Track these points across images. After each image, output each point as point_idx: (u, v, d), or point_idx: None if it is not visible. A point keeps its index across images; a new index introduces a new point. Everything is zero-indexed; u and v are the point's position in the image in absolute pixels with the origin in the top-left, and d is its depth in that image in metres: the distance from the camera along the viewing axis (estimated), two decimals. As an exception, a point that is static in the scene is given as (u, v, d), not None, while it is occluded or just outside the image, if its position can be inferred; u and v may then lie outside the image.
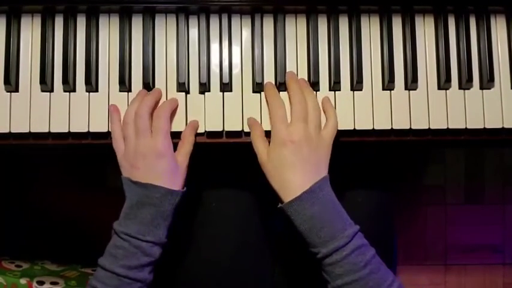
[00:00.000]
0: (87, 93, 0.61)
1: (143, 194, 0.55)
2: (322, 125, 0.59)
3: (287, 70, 0.62)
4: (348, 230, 0.53)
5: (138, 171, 0.56)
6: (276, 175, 0.56)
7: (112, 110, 0.59)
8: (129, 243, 0.53)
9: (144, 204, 0.55)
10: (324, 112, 0.60)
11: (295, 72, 0.62)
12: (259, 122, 0.60)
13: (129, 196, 0.56)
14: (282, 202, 0.55)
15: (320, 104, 0.60)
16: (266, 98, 0.60)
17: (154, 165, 0.55)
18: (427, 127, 0.61)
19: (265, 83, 0.61)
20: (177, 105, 0.60)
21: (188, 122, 0.60)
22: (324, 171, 0.56)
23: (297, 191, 0.54)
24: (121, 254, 0.53)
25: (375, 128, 0.61)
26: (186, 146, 0.59)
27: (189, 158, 0.59)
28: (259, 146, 0.58)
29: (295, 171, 0.55)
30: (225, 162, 0.71)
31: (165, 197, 0.55)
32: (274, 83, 0.61)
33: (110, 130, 0.60)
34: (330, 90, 0.62)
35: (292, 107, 0.58)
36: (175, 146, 0.59)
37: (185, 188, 0.58)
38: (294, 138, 0.55)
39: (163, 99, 0.60)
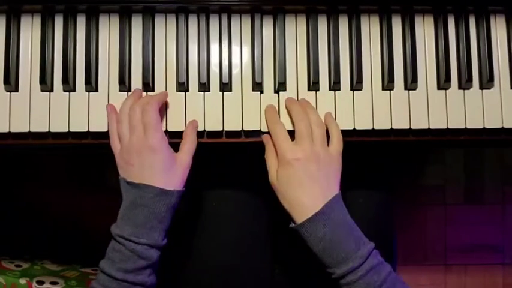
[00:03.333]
0: (87, 93, 0.61)
1: (136, 195, 0.54)
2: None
3: (287, 70, 0.62)
4: (361, 250, 0.52)
5: (133, 169, 0.55)
6: (285, 195, 0.55)
7: (109, 110, 0.59)
8: (124, 246, 0.53)
9: (137, 206, 0.54)
10: (327, 127, 0.59)
11: (295, 72, 0.62)
12: (259, 122, 0.60)
13: (124, 197, 0.56)
14: (294, 222, 0.55)
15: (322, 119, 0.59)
16: (266, 122, 0.60)
17: (148, 162, 0.55)
18: (426, 127, 0.61)
19: (265, 108, 0.61)
20: (166, 99, 0.60)
21: (188, 121, 0.60)
22: (335, 189, 0.55)
23: (307, 212, 0.53)
24: (117, 258, 0.53)
25: (375, 128, 0.61)
26: (188, 144, 0.58)
27: (192, 157, 0.58)
28: (271, 163, 0.57)
29: (304, 190, 0.54)
30: (225, 162, 0.71)
31: (159, 197, 0.54)
32: (273, 83, 0.62)
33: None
34: (329, 90, 0.62)
35: (295, 126, 0.57)
36: (176, 147, 0.59)
37: (183, 188, 0.57)
38: (299, 156, 0.54)
39: (163, 99, 0.61)
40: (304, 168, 0.54)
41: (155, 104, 0.57)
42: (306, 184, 0.54)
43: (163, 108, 0.60)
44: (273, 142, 0.58)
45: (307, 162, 0.54)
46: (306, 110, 0.59)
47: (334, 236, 0.52)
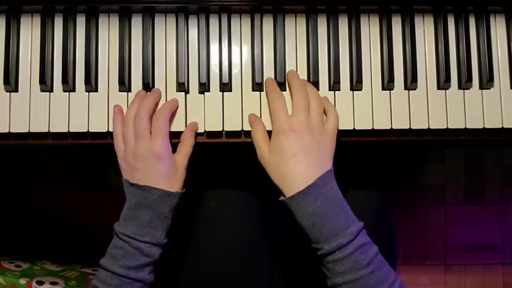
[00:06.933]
0: (87, 93, 0.61)
1: (141, 196, 0.55)
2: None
3: (287, 70, 0.61)
4: (351, 227, 0.52)
5: (138, 173, 0.56)
6: (277, 167, 0.55)
7: (115, 110, 0.60)
8: (128, 244, 0.54)
9: (142, 206, 0.55)
10: (324, 109, 0.59)
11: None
12: (259, 121, 0.60)
13: (128, 198, 0.57)
14: (284, 196, 0.54)
15: None
16: (266, 93, 0.60)
17: (153, 168, 0.56)
18: (426, 127, 0.61)
19: (265, 79, 0.61)
20: (177, 106, 0.60)
21: (188, 122, 0.60)
22: (328, 165, 0.55)
23: (299, 184, 0.53)
24: (120, 255, 0.54)
25: (375, 128, 0.61)
26: (186, 148, 0.59)
27: (188, 159, 0.59)
28: (259, 140, 0.57)
29: (297, 161, 0.54)
30: (225, 162, 0.71)
31: (163, 198, 0.55)
32: (273, 82, 0.62)
33: (109, 130, 0.60)
34: (329, 90, 0.62)
35: (293, 99, 0.57)
36: (174, 147, 0.59)
37: (184, 190, 0.58)
38: (295, 128, 0.54)
39: (162, 99, 0.60)
40: (298, 139, 0.54)
41: (167, 113, 0.58)
42: (300, 156, 0.54)
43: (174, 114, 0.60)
44: (270, 112, 0.58)
45: (302, 134, 0.54)
46: (306, 85, 0.59)
47: (325, 211, 0.52)
